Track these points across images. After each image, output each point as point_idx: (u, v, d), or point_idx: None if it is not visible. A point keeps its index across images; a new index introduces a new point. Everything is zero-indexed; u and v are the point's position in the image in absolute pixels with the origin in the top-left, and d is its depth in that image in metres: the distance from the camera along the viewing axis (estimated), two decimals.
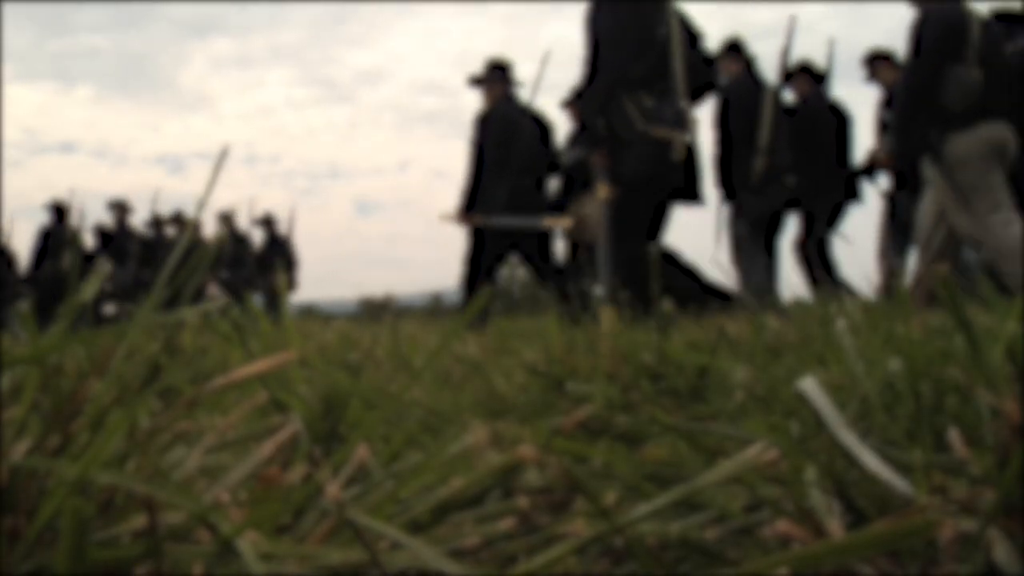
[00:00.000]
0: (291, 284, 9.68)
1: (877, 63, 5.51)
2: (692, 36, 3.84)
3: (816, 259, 5.35)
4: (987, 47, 3.80)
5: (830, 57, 5.63)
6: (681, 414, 1.01)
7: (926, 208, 3.89)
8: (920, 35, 3.81)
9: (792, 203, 5.21)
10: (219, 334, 1.04)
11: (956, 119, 3.72)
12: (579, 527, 0.52)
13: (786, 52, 5.38)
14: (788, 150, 4.99)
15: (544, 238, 5.18)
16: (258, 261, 9.86)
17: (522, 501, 0.56)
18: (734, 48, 5.29)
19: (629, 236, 3.61)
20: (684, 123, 3.59)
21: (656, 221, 3.77)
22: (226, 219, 10.16)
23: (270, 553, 0.44)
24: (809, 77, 5.55)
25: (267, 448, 0.54)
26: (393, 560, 0.43)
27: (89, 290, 0.58)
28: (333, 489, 0.44)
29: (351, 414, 0.90)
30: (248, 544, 0.42)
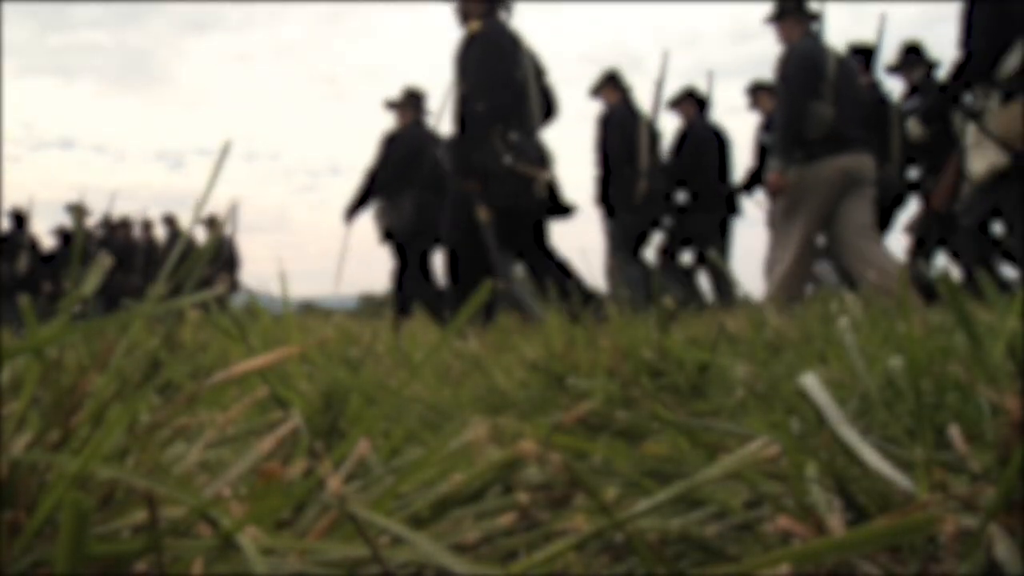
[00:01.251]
0: (233, 285, 9.78)
1: (758, 92, 5.98)
2: (539, 72, 4.28)
3: (679, 270, 5.97)
4: (842, 82, 4.26)
5: (710, 84, 6.23)
6: (681, 410, 1.01)
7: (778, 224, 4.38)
8: (784, 71, 4.30)
9: (656, 222, 5.81)
10: (219, 329, 1.04)
11: (813, 149, 4.20)
12: (579, 523, 0.52)
13: (660, 83, 5.91)
14: (662, 174, 5.62)
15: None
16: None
17: (522, 497, 0.56)
18: (612, 79, 5.83)
19: (516, 252, 4.08)
20: (546, 160, 3.99)
21: (538, 234, 4.16)
22: (170, 221, 10.33)
23: (271, 548, 0.44)
24: (694, 102, 6.09)
25: (267, 443, 0.54)
26: (394, 555, 0.43)
27: (91, 284, 0.58)
28: (335, 483, 0.44)
29: (351, 409, 0.90)
30: (249, 539, 0.42)
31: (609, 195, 5.65)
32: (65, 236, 10.18)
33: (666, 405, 1.02)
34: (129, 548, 0.43)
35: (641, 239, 5.73)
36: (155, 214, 10.84)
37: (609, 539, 0.57)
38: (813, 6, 4.39)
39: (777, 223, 4.34)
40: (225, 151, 0.70)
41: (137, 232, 10.46)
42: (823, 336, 1.34)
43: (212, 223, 9.91)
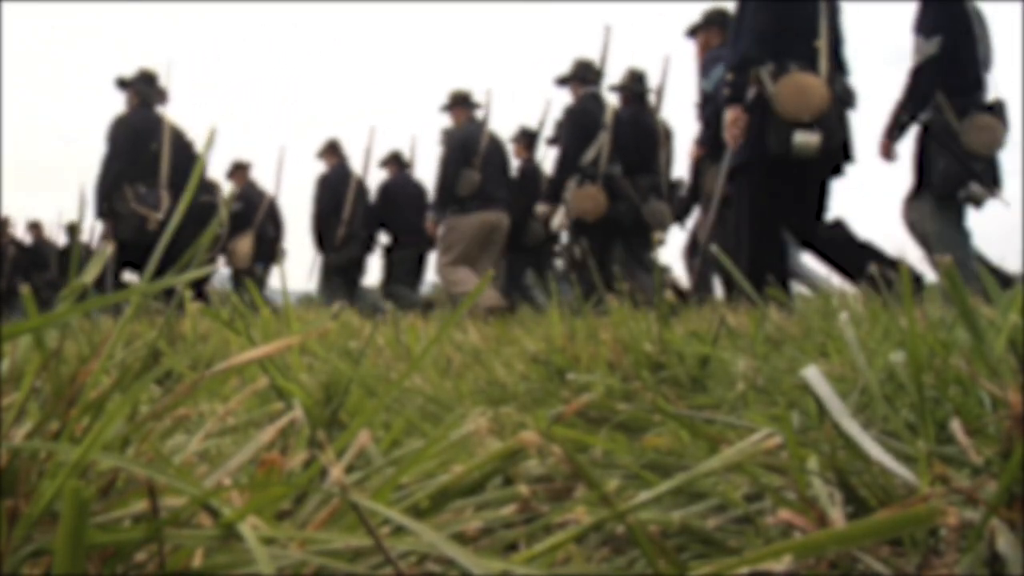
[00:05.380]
0: (54, 287, 10.45)
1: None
2: (187, 144, 6.12)
3: (400, 293, 7.56)
4: (490, 156, 6.24)
5: (412, 148, 8.04)
6: (682, 404, 1.01)
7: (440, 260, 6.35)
8: (445, 146, 6.32)
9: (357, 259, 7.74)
10: (220, 321, 1.04)
11: (462, 202, 6.15)
12: (580, 515, 0.52)
13: (368, 153, 7.84)
14: (362, 222, 7.51)
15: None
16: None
17: (523, 489, 0.56)
18: (333, 146, 7.75)
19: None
20: (158, 205, 5.76)
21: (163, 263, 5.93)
22: (35, 227, 10.99)
23: (272, 538, 0.44)
24: (397, 163, 7.83)
25: (268, 434, 0.54)
26: (395, 545, 0.43)
27: (91, 274, 0.58)
28: (337, 472, 0.44)
29: (352, 401, 0.90)
30: (250, 529, 0.42)
31: (321, 238, 7.57)
32: None
33: (667, 398, 1.02)
34: (129, 537, 0.43)
35: (345, 270, 7.63)
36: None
37: (610, 531, 0.57)
38: (479, 98, 6.56)
39: (439, 257, 6.32)
40: (210, 140, 0.70)
41: None
42: (823, 330, 1.34)
43: (35, 227, 10.56)
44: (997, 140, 4.19)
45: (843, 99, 3.61)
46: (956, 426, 0.62)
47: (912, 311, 0.70)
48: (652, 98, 6.23)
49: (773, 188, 3.63)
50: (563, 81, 6.05)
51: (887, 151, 4.40)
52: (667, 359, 1.22)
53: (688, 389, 1.16)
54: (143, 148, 5.86)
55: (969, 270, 4.03)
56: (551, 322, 1.50)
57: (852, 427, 0.58)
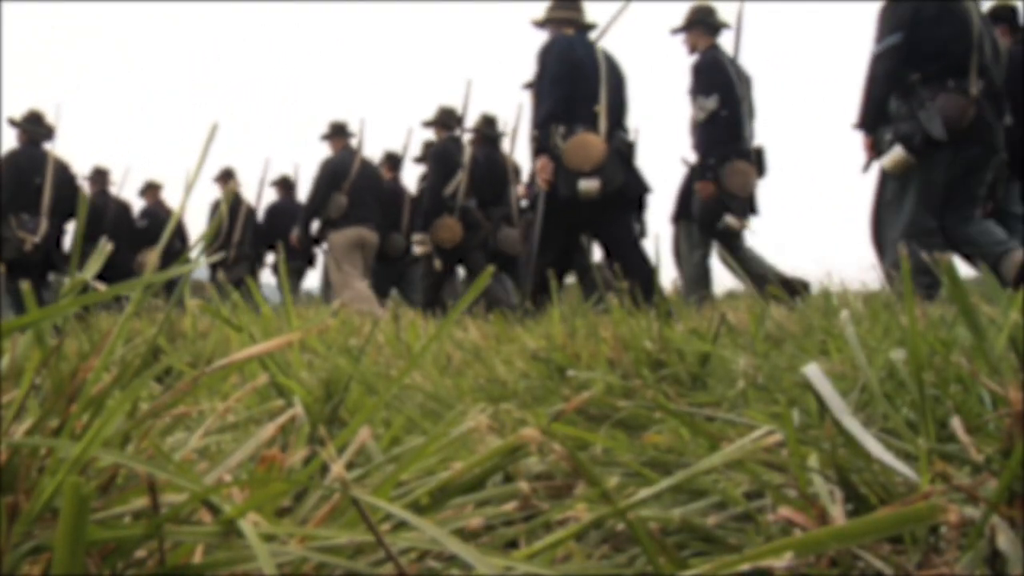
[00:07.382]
0: None
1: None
2: (71, 177, 6.84)
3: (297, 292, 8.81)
4: (360, 179, 7.13)
5: (296, 173, 9.17)
6: (682, 401, 1.01)
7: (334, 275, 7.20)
8: (319, 172, 7.17)
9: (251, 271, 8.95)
10: (220, 318, 1.04)
11: (335, 222, 7.07)
12: (580, 512, 0.52)
13: (263, 182, 9.04)
14: (251, 242, 8.75)
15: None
16: None
17: (523, 485, 0.56)
18: (228, 174, 8.94)
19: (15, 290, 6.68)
20: (37, 230, 6.57)
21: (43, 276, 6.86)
22: None
23: (272, 534, 0.44)
24: (285, 186, 9.02)
25: (268, 430, 0.54)
26: (396, 541, 0.43)
27: (91, 269, 0.58)
28: (338, 469, 0.44)
29: (352, 398, 0.90)
30: (250, 525, 0.41)
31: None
32: None
33: (667, 396, 1.02)
34: (129, 534, 0.43)
35: (238, 284, 8.77)
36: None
37: (611, 528, 0.57)
38: (352, 128, 7.46)
39: (332, 273, 7.15)
40: (212, 134, 0.70)
41: None
42: (824, 328, 1.34)
43: None
44: (749, 183, 5.23)
45: (622, 151, 4.55)
46: (956, 424, 0.62)
47: (913, 309, 0.70)
48: (508, 139, 7.33)
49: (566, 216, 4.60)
50: (428, 124, 7.08)
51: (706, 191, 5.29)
52: (667, 357, 1.22)
53: (688, 387, 1.16)
54: (28, 181, 6.74)
55: (704, 290, 5.29)
56: (551, 320, 1.50)
57: (853, 425, 0.58)
